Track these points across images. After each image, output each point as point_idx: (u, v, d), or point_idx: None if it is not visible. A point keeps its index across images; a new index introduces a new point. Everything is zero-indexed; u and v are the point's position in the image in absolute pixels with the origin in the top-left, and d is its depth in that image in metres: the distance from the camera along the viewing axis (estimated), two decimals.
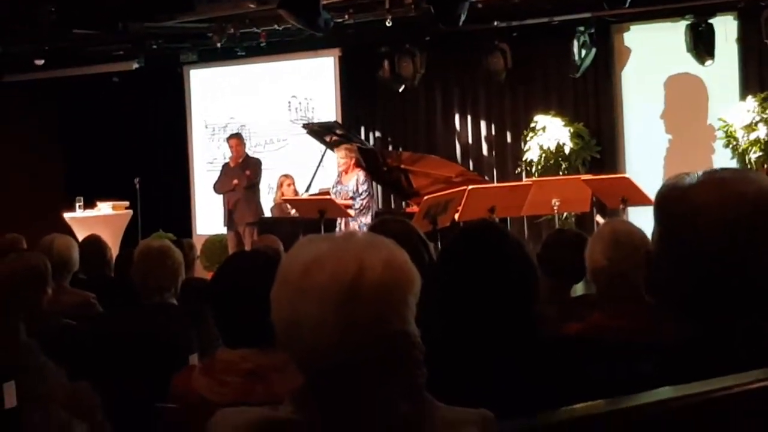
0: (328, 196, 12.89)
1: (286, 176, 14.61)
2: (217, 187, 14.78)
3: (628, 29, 14.77)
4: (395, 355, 2.04)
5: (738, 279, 2.12)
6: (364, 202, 12.97)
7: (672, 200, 2.20)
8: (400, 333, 2.04)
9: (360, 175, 13.04)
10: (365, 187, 13.03)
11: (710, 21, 13.53)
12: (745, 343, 2.09)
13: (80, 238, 9.02)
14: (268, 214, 14.66)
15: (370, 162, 13.29)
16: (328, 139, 14.01)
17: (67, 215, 15.13)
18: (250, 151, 15.38)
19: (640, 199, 10.14)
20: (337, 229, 12.72)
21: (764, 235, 2.11)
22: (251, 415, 2.16)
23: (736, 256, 2.10)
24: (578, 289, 5.66)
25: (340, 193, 12.98)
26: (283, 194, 14.29)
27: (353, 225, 12.51)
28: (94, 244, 7.78)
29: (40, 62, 16.26)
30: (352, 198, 12.89)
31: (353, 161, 13.14)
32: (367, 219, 12.68)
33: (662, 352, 2.23)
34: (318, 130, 14.30)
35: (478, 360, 3.02)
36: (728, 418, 1.39)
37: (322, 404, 2.05)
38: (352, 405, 2.03)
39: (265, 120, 17.25)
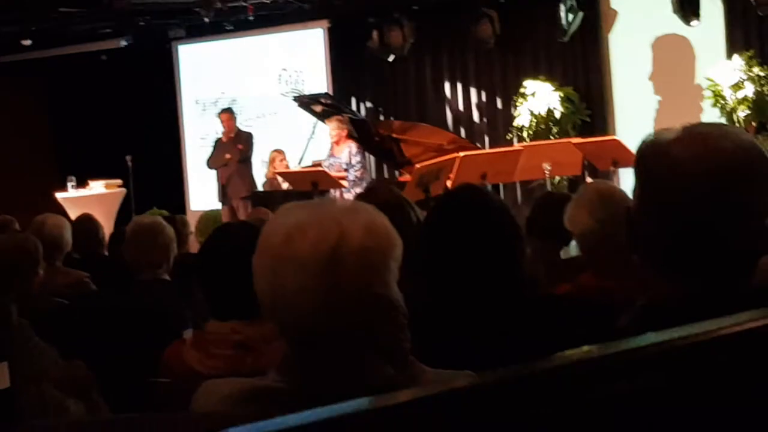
0: (320, 168, 12.88)
1: (278, 152, 14.59)
2: (210, 163, 14.77)
3: None
4: (378, 319, 2.05)
5: (718, 234, 2.12)
6: (358, 173, 12.97)
7: (652, 155, 2.21)
8: (382, 298, 2.05)
9: (352, 146, 13.04)
10: (358, 158, 13.03)
11: None
12: (728, 298, 2.10)
13: (73, 217, 9.01)
14: (261, 188, 14.65)
15: (361, 132, 13.27)
16: (318, 110, 13.98)
17: (59, 195, 15.11)
18: (242, 125, 15.34)
19: (631, 161, 10.08)
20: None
21: (744, 189, 2.12)
22: (236, 385, 2.17)
23: (716, 211, 2.11)
24: (572, 251, 5.68)
25: (333, 165, 12.96)
26: (275, 168, 14.28)
27: (348, 197, 12.48)
28: (86, 223, 7.77)
29: (27, 43, 16.20)
30: (346, 170, 12.88)
31: (345, 133, 13.12)
32: (362, 189, 12.67)
33: (644, 308, 2.24)
34: (308, 102, 14.27)
35: (463, 321, 3.03)
36: (726, 358, 1.40)
37: (307, 371, 2.06)
38: (337, 371, 2.04)
39: (255, 94, 17.22)
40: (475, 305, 3.06)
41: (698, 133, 2.19)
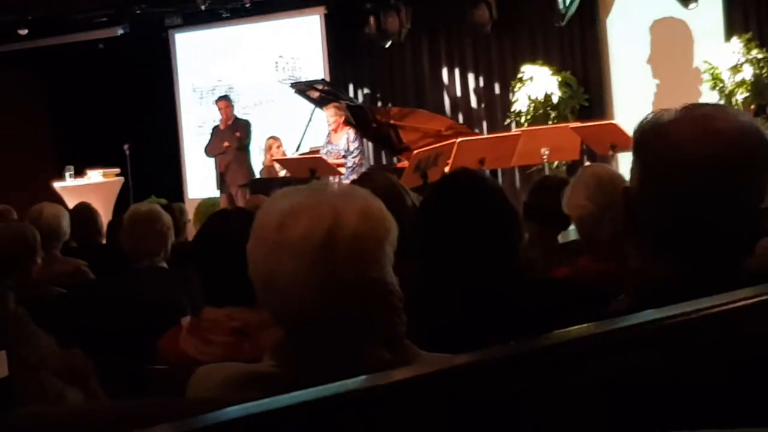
0: (318, 155, 12.87)
1: (275, 138, 14.58)
2: (208, 150, 14.75)
3: None
4: (374, 304, 2.05)
5: (717, 217, 2.12)
6: (356, 159, 12.96)
7: (652, 137, 2.20)
8: (377, 282, 2.04)
9: (350, 133, 13.03)
10: (356, 144, 13.02)
11: None
12: (725, 280, 2.09)
13: (71, 207, 9.00)
14: (259, 175, 14.64)
15: (359, 119, 13.26)
16: (316, 97, 13.97)
17: (57, 184, 15.11)
18: (239, 112, 15.33)
19: (629, 145, 10.06)
20: None
21: (744, 173, 2.11)
22: (231, 370, 2.16)
23: (716, 194, 2.10)
24: (571, 235, 5.68)
25: (331, 153, 12.95)
26: (272, 156, 14.27)
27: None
28: (84, 211, 7.75)
29: (23, 32, 16.17)
30: (344, 157, 12.87)
31: (342, 119, 13.11)
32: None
33: (641, 290, 2.24)
34: (306, 89, 14.26)
35: (461, 305, 3.03)
36: (722, 335, 1.40)
37: (302, 356, 2.05)
38: (332, 355, 2.04)
39: (252, 81, 17.21)
40: (473, 289, 3.06)
41: (699, 114, 2.18)
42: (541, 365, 1.28)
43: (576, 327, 1.36)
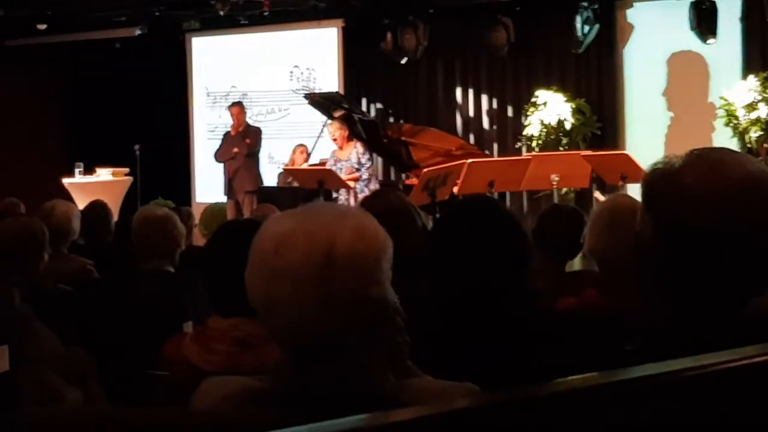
0: (327, 167, 12.87)
1: (300, 145, 14.63)
2: (218, 156, 14.76)
3: (632, 5, 14.71)
4: (375, 323, 2.05)
5: (729, 261, 2.12)
6: (371, 170, 13.02)
7: (666, 185, 2.19)
8: (378, 300, 2.04)
9: (358, 146, 13.03)
10: (367, 156, 13.04)
11: None
12: (735, 325, 2.10)
13: (79, 203, 8.98)
14: (267, 182, 14.66)
15: (370, 133, 13.27)
16: (329, 109, 13.98)
17: (66, 180, 15.12)
18: (251, 119, 15.34)
19: (640, 176, 10.04)
20: (343, 199, 12.70)
21: (760, 215, 2.12)
22: (237, 384, 2.16)
23: (734, 238, 2.11)
24: (576, 265, 5.68)
25: (343, 169, 12.91)
26: (294, 162, 14.30)
27: (362, 197, 12.45)
28: (98, 209, 7.69)
29: (42, 27, 16.21)
30: (358, 170, 12.87)
31: (347, 134, 13.10)
32: (375, 185, 12.75)
33: (651, 332, 2.24)
34: (319, 101, 14.28)
35: (467, 332, 3.03)
36: (725, 391, 1.39)
37: (304, 376, 2.05)
38: (333, 376, 2.04)
39: (266, 89, 17.21)
40: (479, 313, 3.05)
41: (712, 161, 2.18)
42: (544, 414, 1.28)
43: (583, 376, 1.36)
